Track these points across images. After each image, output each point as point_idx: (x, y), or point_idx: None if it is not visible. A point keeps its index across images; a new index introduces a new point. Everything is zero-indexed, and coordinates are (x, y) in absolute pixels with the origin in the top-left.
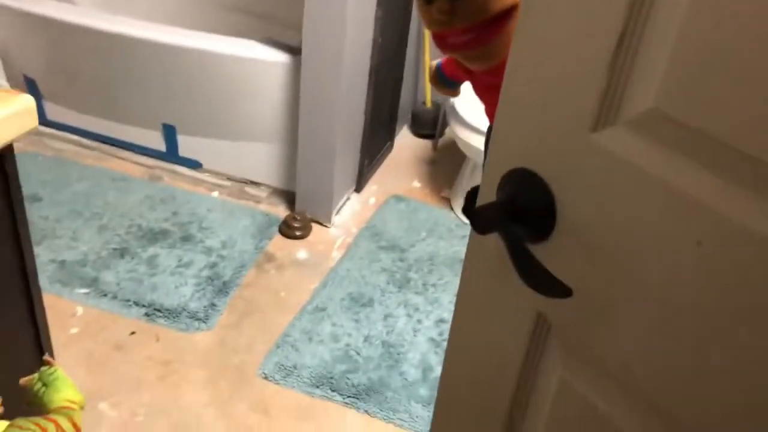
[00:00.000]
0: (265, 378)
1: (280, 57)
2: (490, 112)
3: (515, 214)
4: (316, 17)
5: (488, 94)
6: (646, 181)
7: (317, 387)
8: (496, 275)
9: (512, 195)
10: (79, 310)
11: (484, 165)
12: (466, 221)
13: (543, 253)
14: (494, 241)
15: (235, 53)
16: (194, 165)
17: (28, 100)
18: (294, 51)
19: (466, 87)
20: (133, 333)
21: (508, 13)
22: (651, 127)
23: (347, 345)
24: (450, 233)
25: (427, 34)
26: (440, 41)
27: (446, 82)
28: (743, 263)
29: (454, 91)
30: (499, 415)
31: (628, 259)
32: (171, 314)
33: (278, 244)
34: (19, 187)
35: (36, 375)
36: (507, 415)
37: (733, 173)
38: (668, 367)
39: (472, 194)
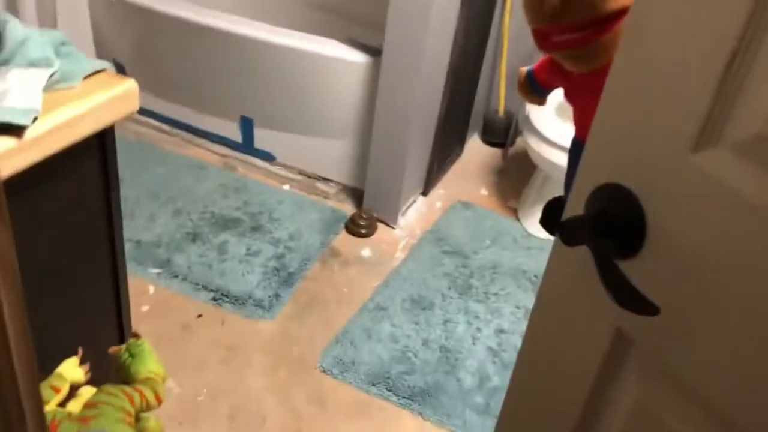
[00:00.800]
0: (324, 371)
1: (361, 57)
2: (584, 121)
3: (604, 229)
4: (399, 18)
5: (586, 98)
6: (744, 207)
7: (373, 385)
8: (578, 288)
9: (603, 209)
10: (151, 289)
11: (566, 176)
12: (533, 233)
13: (630, 269)
14: (577, 253)
15: (317, 51)
16: (268, 157)
17: (131, 85)
18: (374, 52)
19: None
20: (200, 316)
21: (618, 14)
22: (754, 154)
23: (405, 346)
24: (515, 244)
25: (506, 41)
26: (543, 39)
27: (536, 89)
28: None
29: (542, 99)
30: (565, 430)
31: (719, 282)
32: (237, 300)
33: (344, 240)
34: (116, 169)
35: (124, 346)
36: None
37: None
38: (753, 393)
39: (551, 206)
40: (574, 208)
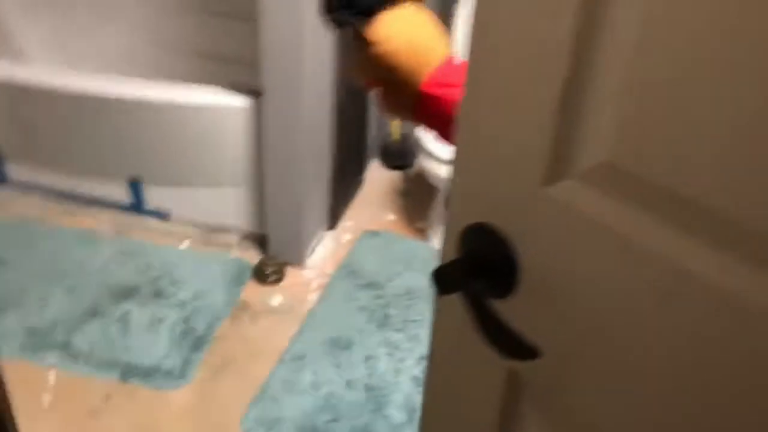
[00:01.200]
0: None
1: (241, 101)
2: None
3: (476, 271)
4: (273, 59)
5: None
6: (603, 235)
7: None
8: (465, 335)
9: (473, 250)
10: (51, 377)
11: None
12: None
13: (508, 309)
14: (459, 301)
15: (195, 101)
16: (162, 216)
17: None
18: (256, 93)
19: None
20: (108, 396)
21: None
22: (602, 181)
23: (329, 393)
24: (427, 265)
25: None
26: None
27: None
28: (706, 317)
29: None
30: None
31: (593, 313)
32: (146, 374)
33: (252, 290)
34: None
35: None
36: None
37: (690, 227)
38: (637, 423)
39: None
40: (448, 253)
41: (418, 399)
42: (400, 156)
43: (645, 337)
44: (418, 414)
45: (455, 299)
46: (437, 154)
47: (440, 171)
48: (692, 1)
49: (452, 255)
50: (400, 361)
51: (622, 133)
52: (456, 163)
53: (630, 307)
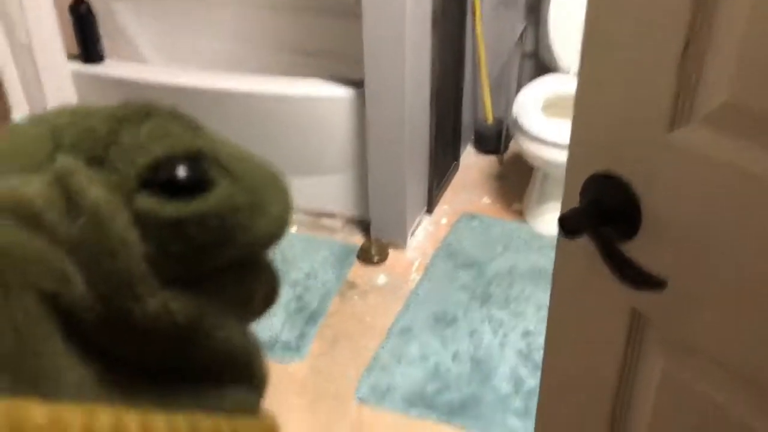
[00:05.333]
0: (361, 401)
1: (344, 92)
2: None
3: (601, 216)
4: (375, 51)
5: None
6: (725, 174)
7: (412, 406)
8: (587, 277)
9: (596, 198)
10: None
11: None
12: (541, 232)
13: (632, 250)
14: (581, 244)
15: (302, 93)
16: None
17: None
18: (357, 84)
19: (528, 97)
20: None
21: None
22: (725, 122)
23: (436, 364)
24: (526, 246)
25: (483, 49)
26: None
27: None
28: None
29: None
30: (601, 415)
31: (717, 248)
32: (265, 346)
33: (358, 271)
34: None
35: None
36: (610, 414)
37: None
38: (762, 360)
39: None
40: (569, 201)
41: (523, 372)
42: (494, 140)
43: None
44: (524, 386)
45: (576, 244)
46: (536, 134)
47: (539, 151)
48: None
49: (574, 203)
50: (504, 336)
51: (745, 72)
52: (577, 116)
53: (751, 238)
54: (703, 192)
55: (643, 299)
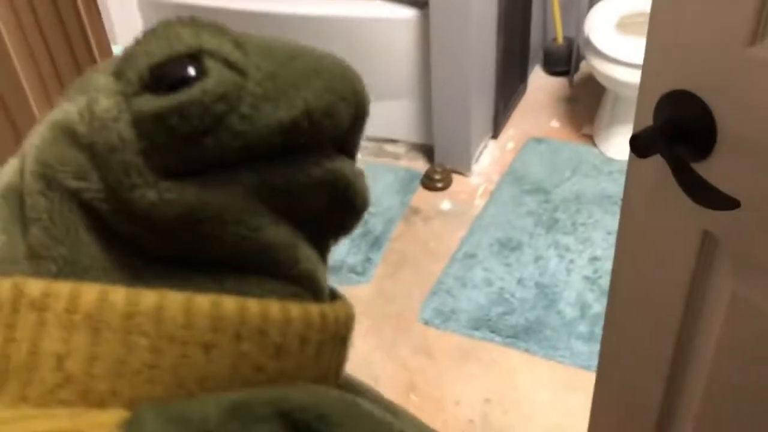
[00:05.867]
0: (425, 323)
1: (408, 13)
2: None
3: (675, 136)
4: None
5: None
6: None
7: (476, 329)
8: (659, 198)
9: (670, 117)
10: None
11: None
12: (612, 156)
13: (706, 170)
14: (653, 165)
15: (364, 15)
16: None
17: None
18: (421, 4)
19: (600, 15)
20: None
21: None
22: None
23: (501, 288)
24: (595, 170)
25: None
26: None
27: None
28: None
29: None
30: (668, 336)
31: None
32: (333, 270)
33: (422, 196)
34: None
35: None
36: (676, 336)
37: None
38: None
39: None
40: (642, 121)
41: (590, 297)
42: (564, 61)
43: None
44: (590, 311)
45: (647, 164)
46: (608, 52)
47: (611, 71)
48: None
49: (647, 122)
50: (570, 262)
51: None
52: (652, 31)
53: None
54: None
55: (715, 220)
